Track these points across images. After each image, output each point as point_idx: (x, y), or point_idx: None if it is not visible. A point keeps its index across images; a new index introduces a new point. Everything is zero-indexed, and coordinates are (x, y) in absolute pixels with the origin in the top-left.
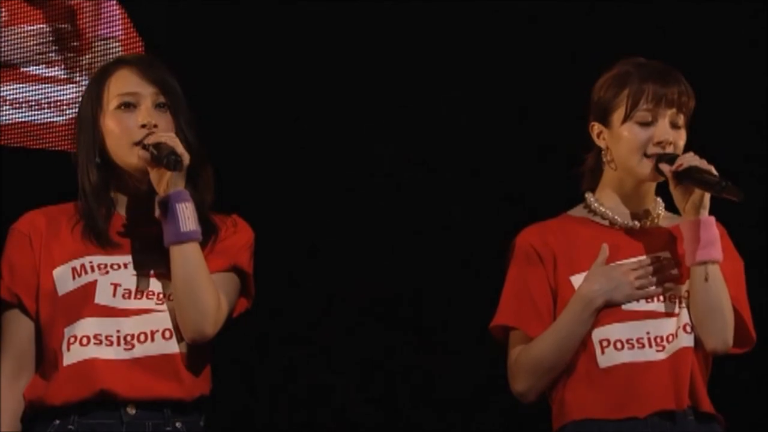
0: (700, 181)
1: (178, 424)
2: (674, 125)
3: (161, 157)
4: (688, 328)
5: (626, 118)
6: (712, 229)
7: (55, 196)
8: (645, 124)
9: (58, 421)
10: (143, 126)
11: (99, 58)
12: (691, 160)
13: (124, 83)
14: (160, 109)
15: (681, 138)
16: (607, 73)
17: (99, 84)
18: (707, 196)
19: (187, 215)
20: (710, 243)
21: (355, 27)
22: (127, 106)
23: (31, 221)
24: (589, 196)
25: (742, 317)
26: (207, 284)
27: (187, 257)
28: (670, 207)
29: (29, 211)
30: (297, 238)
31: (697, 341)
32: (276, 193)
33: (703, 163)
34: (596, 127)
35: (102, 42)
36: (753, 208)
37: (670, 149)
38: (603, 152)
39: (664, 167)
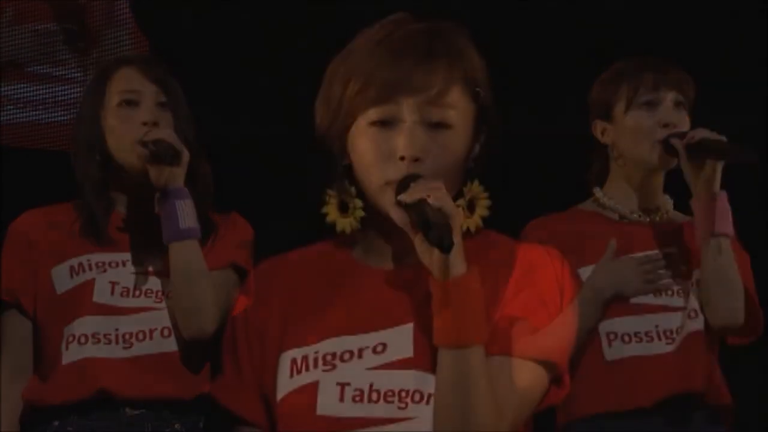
0: (714, 149)
1: (177, 426)
2: (677, 107)
3: (159, 152)
4: (693, 314)
5: (629, 107)
6: (725, 204)
7: (55, 196)
8: (649, 110)
9: (57, 423)
10: (144, 124)
11: (107, 53)
12: (702, 132)
13: (125, 81)
14: (160, 108)
15: (685, 120)
16: (603, 74)
17: (100, 82)
18: (719, 170)
19: (186, 212)
20: (724, 216)
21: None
22: (129, 103)
23: (29, 220)
24: (597, 190)
25: (751, 303)
26: (205, 282)
27: (185, 254)
28: (678, 207)
29: (28, 210)
30: (296, 239)
31: (705, 325)
32: (276, 193)
33: (714, 135)
34: (599, 125)
35: (113, 30)
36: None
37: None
38: (609, 148)
39: (676, 142)
